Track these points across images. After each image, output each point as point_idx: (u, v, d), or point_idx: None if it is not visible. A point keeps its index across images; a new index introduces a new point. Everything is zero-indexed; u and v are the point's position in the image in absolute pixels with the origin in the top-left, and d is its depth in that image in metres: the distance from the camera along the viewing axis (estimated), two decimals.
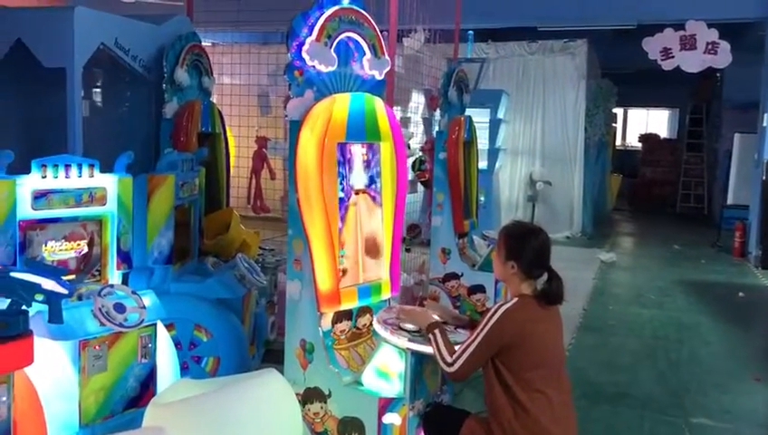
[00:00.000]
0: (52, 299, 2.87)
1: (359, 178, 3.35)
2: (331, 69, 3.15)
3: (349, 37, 3.28)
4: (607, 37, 12.85)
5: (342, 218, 3.23)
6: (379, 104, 3.33)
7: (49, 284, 2.82)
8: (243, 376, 3.05)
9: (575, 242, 10.66)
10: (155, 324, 3.36)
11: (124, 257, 3.62)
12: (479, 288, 5.80)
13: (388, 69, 3.47)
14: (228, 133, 7.48)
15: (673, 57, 9.75)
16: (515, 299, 2.74)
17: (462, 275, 5.86)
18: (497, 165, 10.00)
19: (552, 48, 11.21)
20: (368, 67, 3.36)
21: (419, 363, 3.00)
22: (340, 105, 3.13)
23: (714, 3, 9.65)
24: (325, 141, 3.06)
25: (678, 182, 16.43)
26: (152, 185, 3.74)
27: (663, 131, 20.49)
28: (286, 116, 3.10)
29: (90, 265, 3.43)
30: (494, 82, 10.94)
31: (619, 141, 20.01)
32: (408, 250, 6.14)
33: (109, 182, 3.39)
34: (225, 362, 3.89)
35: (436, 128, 6.18)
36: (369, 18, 3.36)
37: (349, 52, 3.32)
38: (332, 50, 3.17)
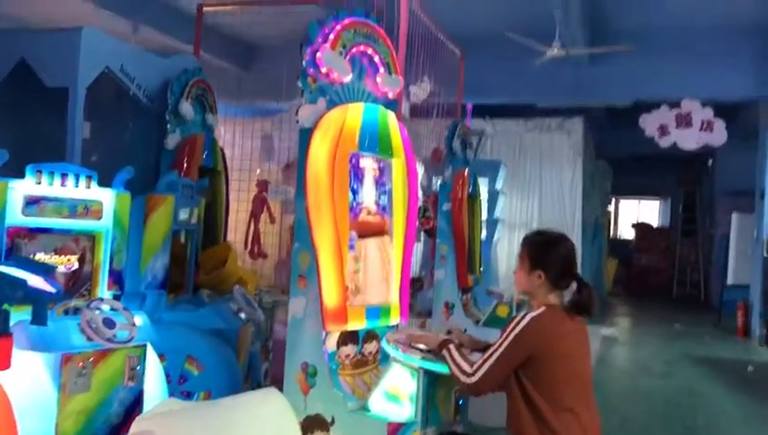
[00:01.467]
0: (37, 298, 2.65)
1: (369, 194, 3.20)
2: (344, 79, 3.07)
3: (363, 52, 3.22)
4: (601, 120, 13.08)
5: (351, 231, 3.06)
6: (392, 118, 3.23)
7: (36, 281, 2.61)
8: (238, 395, 2.79)
9: None
10: (145, 346, 3.11)
11: (116, 278, 3.41)
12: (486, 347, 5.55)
13: (400, 88, 3.39)
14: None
15: (669, 134, 9.84)
16: (543, 308, 2.54)
17: (465, 330, 5.58)
18: (496, 236, 9.89)
19: (549, 126, 11.34)
20: (381, 84, 3.28)
21: (432, 386, 2.76)
22: (353, 114, 3.03)
23: (708, 82, 9.83)
24: (337, 150, 2.94)
25: (673, 269, 16.34)
26: (150, 205, 3.58)
27: (654, 220, 20.60)
28: (297, 121, 2.98)
29: (79, 282, 3.23)
30: (492, 156, 10.99)
31: (611, 231, 20.10)
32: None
33: (106, 196, 3.24)
34: (216, 397, 3.60)
35: (439, 182, 6.11)
36: (384, 35, 3.32)
37: (362, 68, 3.25)
38: (347, 61, 3.09)
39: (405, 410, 2.73)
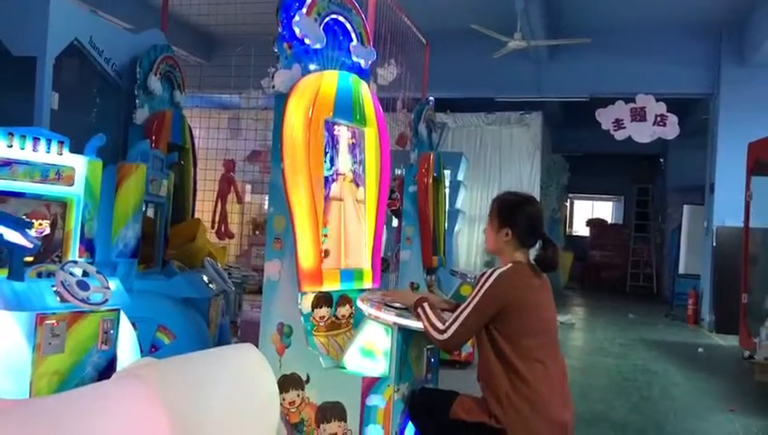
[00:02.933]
0: (14, 252, 2.65)
1: (344, 161, 3.27)
2: (318, 46, 3.13)
3: (336, 21, 3.28)
4: (558, 116, 13.38)
5: (326, 197, 3.12)
6: (365, 88, 3.30)
7: (13, 235, 2.61)
8: (216, 349, 2.81)
9: None
10: (118, 310, 3.11)
11: (87, 245, 3.40)
12: None
13: (373, 59, 3.46)
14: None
15: (624, 128, 10.14)
16: (510, 265, 2.65)
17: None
18: (456, 227, 10.03)
19: (509, 119, 11.56)
20: (354, 53, 3.34)
21: (406, 343, 2.83)
22: (328, 80, 3.08)
23: (661, 79, 10.18)
24: (313, 115, 2.99)
25: (626, 265, 16.77)
26: (122, 173, 3.58)
27: (608, 216, 21.08)
28: (273, 87, 3.03)
29: (50, 248, 3.21)
30: (453, 148, 11.15)
31: (566, 228, 20.51)
32: None
33: (78, 163, 3.22)
34: None
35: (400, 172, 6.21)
36: (357, 6, 3.39)
37: (336, 37, 3.32)
38: (320, 28, 3.15)
39: (379, 366, 2.80)
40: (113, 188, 3.59)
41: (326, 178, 3.12)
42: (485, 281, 2.58)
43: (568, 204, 20.31)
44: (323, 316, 3.13)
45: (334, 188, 3.20)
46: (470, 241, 11.40)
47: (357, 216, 3.32)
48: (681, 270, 11.45)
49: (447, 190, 9.56)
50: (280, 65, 3.06)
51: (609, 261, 18.22)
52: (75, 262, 3.06)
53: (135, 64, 4.36)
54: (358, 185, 3.34)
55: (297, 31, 3.04)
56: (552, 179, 12.83)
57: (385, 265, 6.54)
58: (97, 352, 3.03)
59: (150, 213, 4.14)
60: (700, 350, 7.68)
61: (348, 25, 3.33)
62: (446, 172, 9.57)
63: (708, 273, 9.98)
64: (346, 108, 3.18)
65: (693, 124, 11.72)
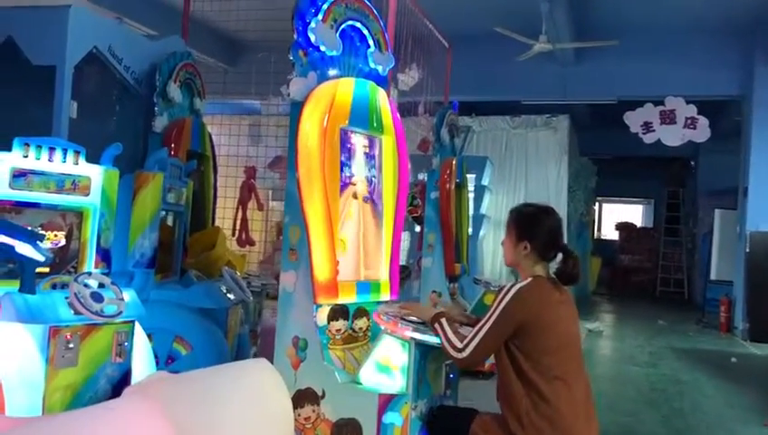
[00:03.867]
0: (26, 266, 2.63)
1: (359, 169, 3.20)
2: (334, 53, 3.07)
3: (354, 27, 3.22)
4: (586, 118, 13.18)
5: (342, 207, 3.05)
6: (382, 95, 3.23)
7: (24, 248, 2.59)
8: (229, 364, 2.76)
9: None
10: (133, 322, 3.08)
11: (103, 256, 3.38)
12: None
13: (391, 66, 3.39)
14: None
15: (654, 131, 9.94)
16: (529, 279, 2.56)
17: (466, 311, 5.63)
18: (481, 233, 9.90)
19: (535, 123, 11.39)
20: (371, 60, 3.28)
21: (423, 359, 2.75)
22: (344, 88, 3.03)
23: (691, 80, 9.95)
24: (328, 123, 2.93)
25: (656, 269, 16.45)
26: (139, 182, 3.55)
27: (637, 220, 20.74)
28: (288, 94, 2.97)
29: (66, 259, 3.19)
30: (478, 152, 11.02)
31: (595, 232, 20.21)
32: None
33: (94, 172, 3.20)
34: None
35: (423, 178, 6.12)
36: (375, 12, 3.32)
37: (353, 43, 3.25)
38: (337, 35, 3.09)
39: (396, 382, 2.72)
40: (130, 197, 3.56)
41: (342, 185, 3.06)
42: (504, 297, 2.49)
43: (596, 207, 20.04)
44: (339, 329, 3.07)
45: (347, 195, 3.13)
46: (496, 246, 11.22)
47: (373, 226, 3.25)
48: (713, 276, 11.17)
49: (472, 195, 9.48)
50: (295, 73, 3.01)
51: (638, 265, 17.92)
52: (90, 273, 3.03)
53: (155, 72, 4.35)
54: (372, 197, 3.26)
55: (313, 38, 2.98)
56: (579, 184, 12.62)
57: (406, 272, 6.47)
58: (111, 365, 3.00)
59: (170, 221, 4.12)
60: (733, 359, 7.47)
61: (365, 31, 3.26)
62: (471, 177, 9.49)
63: (741, 279, 9.72)
64: (362, 116, 3.11)
65: (725, 126, 11.44)
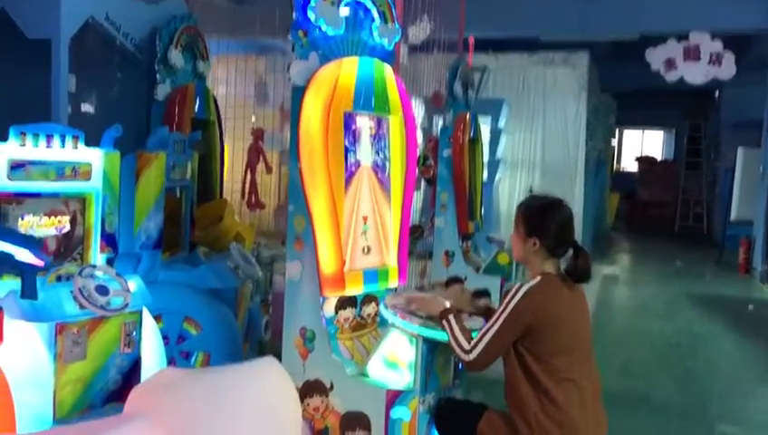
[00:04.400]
0: (26, 272, 2.59)
1: (365, 153, 3.09)
2: (337, 31, 2.91)
3: (357, 2, 3.04)
4: (606, 53, 12.74)
5: (346, 192, 2.95)
6: (389, 72, 3.08)
7: (23, 255, 2.54)
8: (236, 365, 2.75)
9: None
10: (140, 312, 3.06)
11: (109, 240, 3.34)
12: (484, 293, 5.50)
13: (398, 38, 3.22)
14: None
15: (676, 69, 9.59)
16: (539, 277, 2.48)
17: (466, 278, 5.57)
18: (497, 177, 9.76)
19: (554, 59, 11.02)
20: (377, 34, 3.11)
21: (431, 353, 2.71)
22: (347, 69, 2.88)
23: (717, 13, 9.50)
24: (331, 108, 2.81)
25: (676, 203, 16.23)
26: (141, 163, 3.47)
27: (658, 153, 20.36)
28: (289, 79, 2.84)
29: (71, 246, 3.15)
30: (495, 93, 10.74)
31: (614, 164, 19.89)
32: (409, 253, 5.85)
33: (94, 157, 3.12)
34: (215, 357, 3.59)
35: (440, 125, 5.95)
36: None
37: (357, 18, 3.08)
38: (339, 11, 2.93)
39: (404, 378, 2.69)
40: (134, 178, 3.49)
41: (347, 171, 2.96)
42: (513, 297, 2.42)
43: (616, 139, 19.62)
44: (348, 318, 3.03)
45: (355, 183, 3.03)
46: (512, 189, 11.10)
47: (379, 210, 3.16)
48: (733, 216, 10.97)
49: (488, 140, 9.29)
50: (295, 55, 2.87)
51: (658, 199, 17.70)
52: (94, 265, 3.00)
53: (155, 37, 4.20)
54: (380, 178, 3.16)
55: (313, 17, 2.82)
56: (598, 120, 12.32)
57: (419, 232, 6.41)
58: (120, 356, 3.00)
59: (177, 192, 4.06)
60: (750, 307, 7.41)
61: (369, 3, 3.08)
62: (487, 119, 9.28)
63: (762, 220, 9.55)
64: (367, 97, 2.97)
65: (751, 58, 11.00)
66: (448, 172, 5.56)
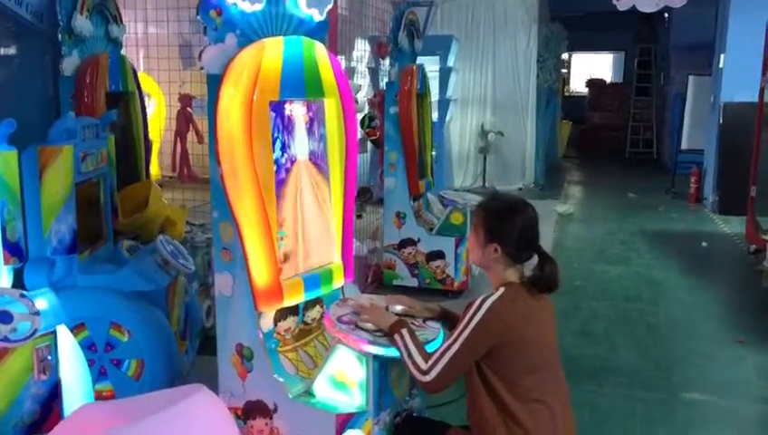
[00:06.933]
0: None
1: (301, 144, 2.73)
2: (257, 7, 2.50)
3: None
4: None
5: (279, 194, 2.61)
6: (320, 51, 2.69)
7: None
8: (163, 397, 2.44)
9: (528, 194, 10.25)
10: (54, 332, 2.72)
11: (13, 250, 2.96)
12: (438, 254, 5.32)
13: (330, 6, 2.82)
14: (158, 91, 6.77)
15: None
16: (502, 290, 2.21)
17: (419, 240, 5.36)
18: (448, 117, 9.43)
19: None
20: (304, 4, 2.70)
21: (384, 368, 2.45)
22: (271, 53, 2.49)
23: None
24: (254, 100, 2.43)
25: (626, 127, 16.16)
26: (44, 159, 3.03)
27: (608, 76, 20.21)
28: (202, 68, 2.45)
29: None
30: (443, 29, 10.28)
31: (564, 89, 19.65)
32: (359, 216, 5.57)
33: None
34: (150, 363, 3.28)
35: (385, 79, 5.56)
36: None
37: None
38: None
39: (354, 399, 2.44)
40: (37, 174, 3.06)
41: (278, 168, 2.61)
42: (475, 313, 2.16)
43: (566, 59, 19.24)
44: (289, 328, 2.75)
45: (290, 179, 2.69)
46: (463, 127, 10.80)
47: (319, 204, 2.83)
48: (684, 145, 10.91)
49: (437, 78, 8.90)
50: (208, 39, 2.46)
51: (608, 122, 17.63)
52: None
53: (55, 2, 3.67)
54: (319, 167, 2.82)
55: None
56: (549, 52, 11.99)
57: (368, 195, 6.10)
58: (35, 384, 2.69)
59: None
60: (704, 244, 7.38)
61: None
62: (435, 59, 8.86)
63: (713, 150, 9.49)
64: (297, 82, 2.60)
65: None
66: (396, 130, 5.22)
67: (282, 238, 2.64)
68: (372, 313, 2.47)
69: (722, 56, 9.36)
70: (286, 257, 2.68)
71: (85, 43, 3.81)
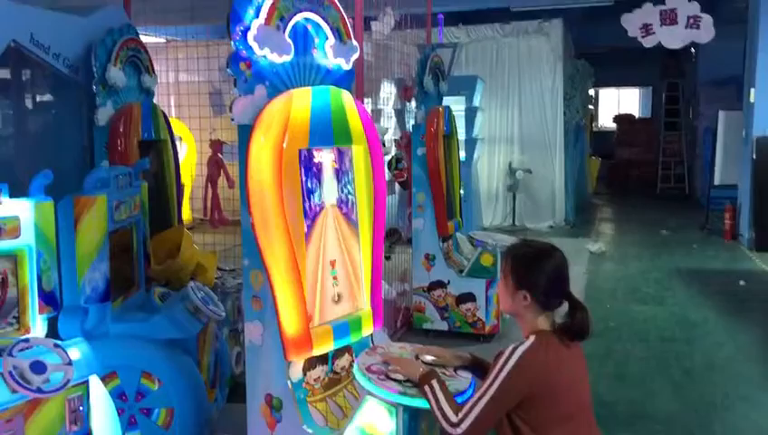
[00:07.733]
0: None
1: (329, 191, 2.75)
2: (285, 59, 2.54)
3: (307, 19, 2.67)
4: (579, 16, 12.35)
5: (308, 239, 2.62)
6: (347, 99, 2.73)
7: None
8: None
9: (559, 232, 10.16)
10: (86, 382, 2.73)
11: (48, 299, 2.98)
12: (468, 296, 5.27)
13: (356, 56, 2.86)
14: (189, 136, 6.92)
15: (654, 33, 9.26)
16: (533, 338, 2.17)
17: (449, 282, 5.32)
18: (475, 156, 9.44)
19: (527, 30, 10.65)
20: (332, 55, 2.75)
21: (414, 419, 2.41)
22: (299, 103, 2.52)
23: None
24: (283, 149, 2.46)
25: (656, 162, 16.01)
26: (79, 208, 3.09)
27: (635, 111, 20.12)
28: (232, 120, 2.48)
29: (4, 310, 2.80)
30: (467, 69, 10.37)
31: (592, 125, 19.58)
32: (387, 258, 5.56)
33: (23, 209, 2.76)
34: (179, 412, 3.26)
35: (411, 120, 5.60)
36: None
37: (308, 37, 2.71)
38: (287, 35, 2.56)
39: None
40: (72, 224, 3.12)
41: (307, 215, 2.63)
42: (505, 363, 2.12)
43: (593, 95, 19.17)
44: (318, 377, 2.73)
45: (318, 226, 2.70)
46: (491, 166, 10.81)
47: (348, 250, 2.83)
48: (717, 180, 10.74)
49: (463, 118, 8.93)
50: (238, 90, 2.50)
51: (637, 158, 17.50)
52: (27, 340, 2.65)
53: (90, 54, 3.78)
54: (347, 214, 2.83)
55: (255, 46, 2.45)
56: (575, 88, 11.99)
57: (397, 236, 6.10)
58: None
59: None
60: (741, 282, 7.20)
61: (321, 22, 2.71)
62: (461, 99, 8.91)
63: (747, 185, 9.34)
64: (325, 131, 2.62)
65: (728, 14, 10.66)
66: (424, 172, 5.23)
67: (334, 278, 2.65)
68: (402, 363, 2.44)
69: (752, 90, 9.28)
70: (339, 298, 2.69)
71: (119, 93, 3.91)
